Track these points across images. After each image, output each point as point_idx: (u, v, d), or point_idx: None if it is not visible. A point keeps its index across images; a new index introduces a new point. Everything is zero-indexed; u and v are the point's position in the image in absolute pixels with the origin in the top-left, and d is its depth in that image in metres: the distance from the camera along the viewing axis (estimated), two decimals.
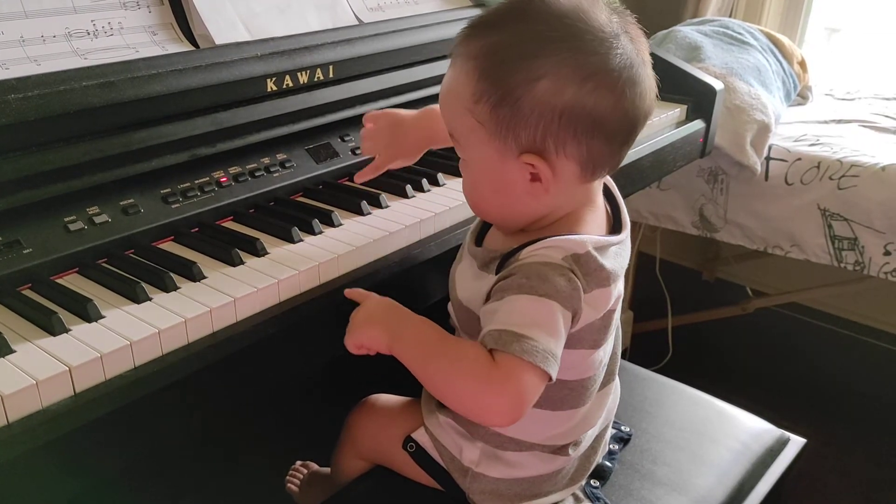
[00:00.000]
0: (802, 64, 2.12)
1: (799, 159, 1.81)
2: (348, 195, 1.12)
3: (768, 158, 1.84)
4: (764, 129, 1.82)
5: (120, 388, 0.76)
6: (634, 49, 0.81)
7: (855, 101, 2.17)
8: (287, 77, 1.15)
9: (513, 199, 0.86)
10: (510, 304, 0.79)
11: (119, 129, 0.98)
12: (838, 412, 1.92)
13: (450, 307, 0.98)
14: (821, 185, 1.78)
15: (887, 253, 1.74)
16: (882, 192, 1.71)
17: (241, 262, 0.94)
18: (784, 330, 2.21)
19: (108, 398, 0.75)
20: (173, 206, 1.01)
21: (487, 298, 0.84)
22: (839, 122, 1.99)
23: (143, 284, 0.87)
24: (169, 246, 0.99)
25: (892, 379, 1.93)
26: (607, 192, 0.93)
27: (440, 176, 1.19)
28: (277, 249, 0.98)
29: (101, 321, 0.82)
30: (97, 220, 0.94)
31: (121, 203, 0.97)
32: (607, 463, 1.06)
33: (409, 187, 1.14)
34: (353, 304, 0.91)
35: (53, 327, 0.79)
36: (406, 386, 1.11)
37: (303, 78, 1.17)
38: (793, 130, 1.93)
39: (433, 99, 1.34)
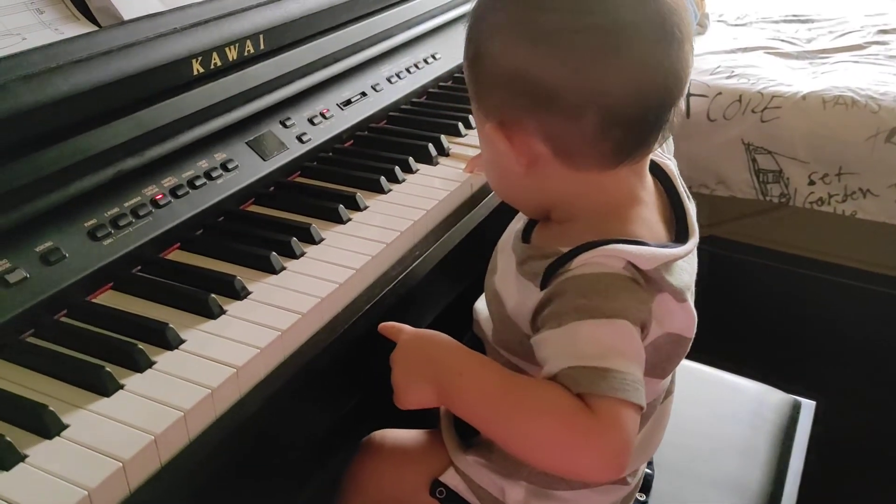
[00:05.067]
0: None
1: (720, 94, 1.75)
2: (315, 199, 0.91)
3: (689, 95, 1.77)
4: None
5: None
6: (642, 11, 0.63)
7: (747, 25, 2.15)
8: (214, 55, 0.90)
9: (504, 175, 0.74)
10: (575, 332, 0.64)
11: (21, 149, 0.72)
12: (798, 350, 1.85)
13: (483, 323, 0.81)
14: (744, 119, 1.73)
15: (811, 182, 1.73)
16: (804, 122, 1.69)
17: (222, 312, 0.73)
18: (708, 266, 2.20)
19: None
20: (105, 243, 0.76)
21: (535, 316, 0.69)
22: (745, 50, 1.95)
23: (108, 368, 0.64)
24: (111, 299, 0.75)
25: (827, 303, 1.92)
26: (672, 190, 0.77)
27: (411, 160, 1.00)
28: (259, 285, 0.77)
29: (65, 434, 0.59)
30: (11, 278, 0.69)
31: (37, 249, 0.72)
32: (647, 470, 0.95)
33: (383, 179, 0.95)
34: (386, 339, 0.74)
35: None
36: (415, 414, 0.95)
37: (231, 54, 0.93)
38: (705, 63, 1.87)
39: (372, 63, 1.15)
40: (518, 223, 0.80)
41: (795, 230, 1.84)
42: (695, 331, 0.72)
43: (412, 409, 0.72)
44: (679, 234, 0.73)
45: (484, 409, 0.66)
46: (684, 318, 0.70)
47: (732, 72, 1.81)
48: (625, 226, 0.70)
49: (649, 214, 0.73)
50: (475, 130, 1.12)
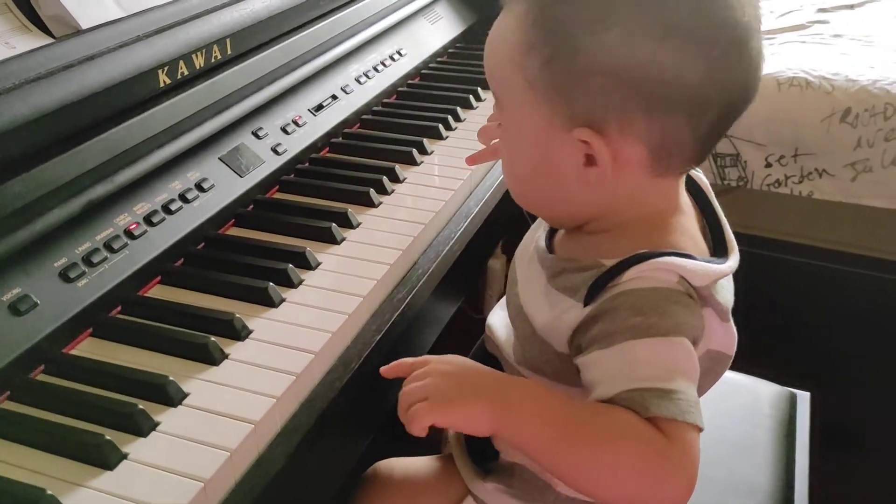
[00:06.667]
0: None
1: None
2: (304, 218, 0.83)
3: None
4: None
5: None
6: (748, 2, 0.60)
7: None
8: (181, 63, 0.81)
9: (557, 184, 0.65)
10: (631, 352, 0.59)
11: None
12: (771, 335, 1.83)
13: (502, 341, 0.75)
14: None
15: (768, 165, 1.73)
16: (760, 105, 1.67)
17: (224, 357, 0.65)
18: None
19: None
20: (79, 284, 0.68)
21: (575, 334, 0.63)
22: None
23: (108, 436, 0.56)
24: (93, 348, 0.66)
25: (791, 283, 1.92)
26: (702, 199, 0.73)
27: (398, 168, 0.94)
28: (259, 321, 0.69)
29: None
30: None
31: (4, 298, 0.63)
32: None
33: (372, 192, 0.88)
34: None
35: None
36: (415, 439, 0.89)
37: (198, 61, 0.84)
38: None
39: (339, 63, 1.08)
40: (537, 231, 0.74)
41: (752, 211, 1.86)
42: (735, 348, 0.68)
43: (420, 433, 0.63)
44: (716, 248, 0.69)
45: (549, 437, 0.58)
46: (725, 337, 0.67)
47: None
48: (670, 237, 0.65)
49: (691, 226, 0.68)
50: (455, 132, 1.07)
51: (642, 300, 0.60)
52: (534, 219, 0.77)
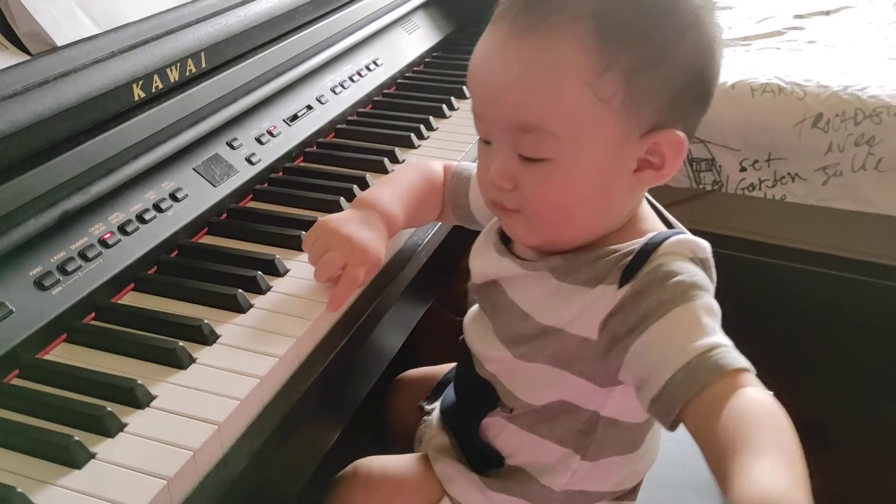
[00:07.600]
0: None
1: None
2: (274, 227, 0.86)
3: None
4: None
5: None
6: None
7: None
8: (156, 77, 0.84)
9: (608, 202, 0.67)
10: (696, 311, 0.61)
11: None
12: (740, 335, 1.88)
13: (492, 348, 0.75)
14: None
15: (743, 169, 1.77)
16: (735, 110, 1.72)
17: (192, 361, 0.68)
18: None
19: None
20: (54, 293, 0.71)
21: (608, 319, 0.64)
22: None
23: (76, 438, 0.59)
24: (67, 354, 0.69)
25: (766, 282, 1.96)
26: None
27: (368, 177, 0.96)
28: (228, 327, 0.72)
29: None
30: None
31: None
32: None
33: (342, 200, 0.91)
34: None
35: None
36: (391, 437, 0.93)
37: (173, 75, 0.87)
38: None
39: (315, 74, 1.10)
40: (491, 250, 0.76)
41: (727, 214, 1.90)
42: None
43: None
44: None
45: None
46: None
47: None
48: (654, 224, 0.70)
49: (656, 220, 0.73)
50: (427, 141, 1.10)
51: (684, 268, 0.63)
52: None
